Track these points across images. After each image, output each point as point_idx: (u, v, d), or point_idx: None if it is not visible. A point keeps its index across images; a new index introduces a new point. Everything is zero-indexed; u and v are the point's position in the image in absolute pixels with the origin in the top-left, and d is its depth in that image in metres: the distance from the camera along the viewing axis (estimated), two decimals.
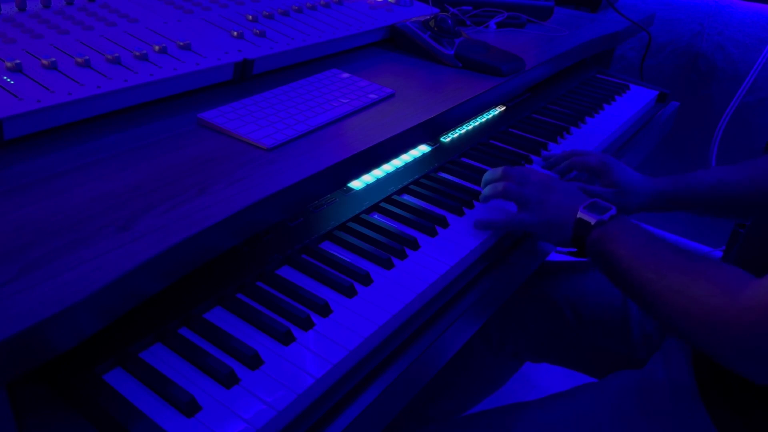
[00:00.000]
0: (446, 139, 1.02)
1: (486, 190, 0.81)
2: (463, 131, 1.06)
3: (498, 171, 0.82)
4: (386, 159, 0.88)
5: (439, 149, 0.98)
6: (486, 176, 0.83)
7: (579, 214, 0.73)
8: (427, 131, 0.90)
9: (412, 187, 0.87)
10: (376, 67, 1.06)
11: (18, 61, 0.71)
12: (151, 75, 0.78)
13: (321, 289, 0.66)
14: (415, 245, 0.74)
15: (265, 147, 0.73)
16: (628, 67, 2.05)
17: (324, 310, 0.62)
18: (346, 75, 0.97)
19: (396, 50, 1.15)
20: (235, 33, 0.92)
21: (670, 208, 0.96)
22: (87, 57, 0.76)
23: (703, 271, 0.62)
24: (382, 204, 0.82)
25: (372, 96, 0.91)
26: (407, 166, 0.91)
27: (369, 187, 0.84)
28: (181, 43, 0.85)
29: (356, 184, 0.84)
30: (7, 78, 0.70)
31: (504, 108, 1.18)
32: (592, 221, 0.72)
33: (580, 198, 0.77)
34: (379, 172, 0.88)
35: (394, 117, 0.86)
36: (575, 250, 0.75)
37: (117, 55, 0.78)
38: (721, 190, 0.92)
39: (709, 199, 0.93)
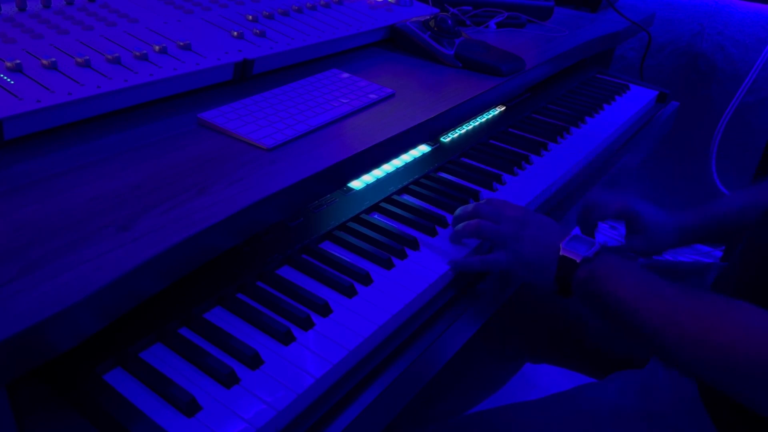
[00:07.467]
0: (446, 139, 1.02)
1: (458, 228, 0.75)
2: (463, 131, 1.06)
3: (469, 208, 0.76)
4: (386, 159, 0.88)
5: (439, 149, 0.98)
6: (457, 212, 0.77)
7: (562, 252, 0.67)
8: (427, 131, 0.90)
9: (412, 187, 0.87)
10: (376, 67, 1.06)
11: (18, 61, 0.71)
12: (151, 75, 0.78)
13: (321, 289, 0.66)
14: (415, 245, 0.74)
15: (266, 147, 0.73)
16: (628, 67, 2.05)
17: (324, 310, 0.62)
18: (346, 75, 0.97)
19: (396, 50, 1.15)
20: (235, 33, 0.92)
21: (698, 242, 0.89)
22: (87, 57, 0.76)
23: (719, 315, 0.58)
24: (382, 204, 0.82)
25: (372, 96, 0.91)
26: (407, 166, 0.91)
27: (369, 187, 0.84)
28: (181, 43, 0.85)
29: (356, 184, 0.84)
30: (7, 78, 0.70)
31: (504, 108, 1.18)
32: (578, 259, 0.66)
33: (557, 232, 0.71)
34: (379, 172, 0.88)
35: (394, 117, 0.86)
36: (557, 288, 0.69)
37: (117, 55, 0.78)
38: (749, 217, 0.84)
39: (738, 227, 0.85)
